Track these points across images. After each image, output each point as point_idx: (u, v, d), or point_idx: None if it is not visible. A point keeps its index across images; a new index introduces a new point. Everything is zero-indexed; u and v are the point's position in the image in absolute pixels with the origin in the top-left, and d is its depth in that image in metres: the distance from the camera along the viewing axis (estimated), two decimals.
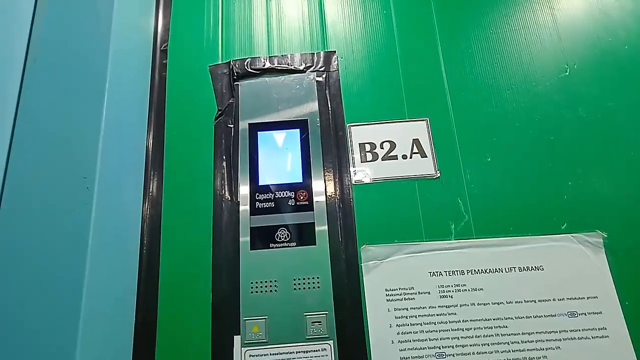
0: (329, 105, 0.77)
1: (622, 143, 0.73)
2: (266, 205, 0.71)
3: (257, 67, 0.80)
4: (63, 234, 0.52)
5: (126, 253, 0.65)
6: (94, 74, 0.61)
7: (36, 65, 0.58)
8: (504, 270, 0.66)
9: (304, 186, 0.72)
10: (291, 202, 0.71)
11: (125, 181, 0.66)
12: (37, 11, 0.59)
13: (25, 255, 0.50)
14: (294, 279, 0.67)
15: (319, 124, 0.76)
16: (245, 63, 0.80)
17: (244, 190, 0.72)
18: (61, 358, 0.48)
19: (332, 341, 0.64)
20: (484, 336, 0.63)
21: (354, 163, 0.73)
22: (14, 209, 0.51)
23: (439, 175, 0.72)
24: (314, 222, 0.70)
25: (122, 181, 0.65)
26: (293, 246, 0.68)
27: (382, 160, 0.73)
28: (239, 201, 0.71)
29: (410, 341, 0.63)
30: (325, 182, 0.72)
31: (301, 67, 0.80)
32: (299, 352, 0.63)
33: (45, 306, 0.49)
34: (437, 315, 0.64)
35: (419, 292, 0.66)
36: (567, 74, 0.78)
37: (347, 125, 0.76)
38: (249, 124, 0.76)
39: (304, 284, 0.66)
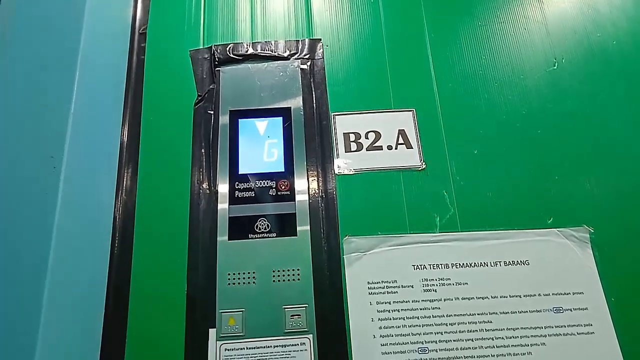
0: (313, 94, 0.75)
1: (609, 138, 0.72)
2: (246, 194, 0.68)
3: (240, 52, 0.77)
4: (26, 214, 0.49)
5: (96, 240, 0.62)
6: (64, 50, 0.58)
7: (5, 40, 0.56)
8: (489, 265, 0.65)
9: (286, 176, 0.70)
10: (272, 192, 0.68)
11: (97, 165, 0.63)
12: None
13: None
14: (273, 271, 0.64)
15: (302, 113, 0.73)
16: (228, 48, 0.77)
17: (223, 179, 0.69)
18: (20, 352, 0.45)
19: (311, 335, 0.61)
20: (468, 331, 0.61)
21: (337, 153, 0.71)
22: None
23: (424, 166, 0.70)
24: (295, 213, 0.67)
25: (93, 165, 0.61)
26: (273, 237, 0.66)
27: (366, 150, 0.71)
28: (217, 190, 0.68)
29: (393, 335, 0.61)
30: (307, 172, 0.70)
31: (285, 54, 0.77)
32: (277, 346, 0.61)
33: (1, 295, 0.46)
34: (421, 309, 0.63)
35: (402, 286, 0.64)
36: (555, 67, 0.77)
37: (332, 114, 0.74)
38: (230, 110, 0.73)
39: (283, 275, 0.64)
